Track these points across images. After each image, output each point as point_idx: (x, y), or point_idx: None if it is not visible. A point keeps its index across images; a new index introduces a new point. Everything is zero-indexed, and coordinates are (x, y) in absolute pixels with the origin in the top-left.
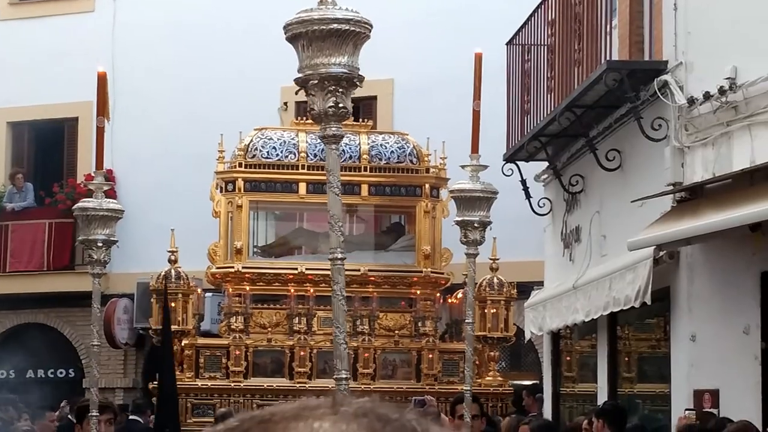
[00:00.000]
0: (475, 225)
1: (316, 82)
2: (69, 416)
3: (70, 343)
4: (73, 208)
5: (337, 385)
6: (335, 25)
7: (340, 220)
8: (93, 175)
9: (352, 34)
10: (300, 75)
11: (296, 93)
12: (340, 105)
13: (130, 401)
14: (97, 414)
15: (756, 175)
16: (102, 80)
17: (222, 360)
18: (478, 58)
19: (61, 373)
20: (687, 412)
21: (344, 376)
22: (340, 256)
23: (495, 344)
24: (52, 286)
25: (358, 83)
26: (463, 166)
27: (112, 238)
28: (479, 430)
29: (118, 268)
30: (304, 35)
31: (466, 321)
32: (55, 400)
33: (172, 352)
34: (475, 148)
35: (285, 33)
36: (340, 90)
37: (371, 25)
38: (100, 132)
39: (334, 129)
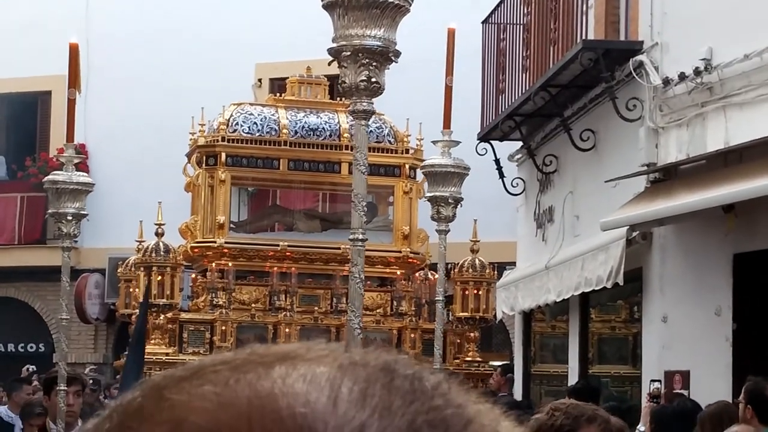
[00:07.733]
0: (449, 201)
1: (349, 54)
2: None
3: (41, 318)
4: (44, 180)
5: None
6: None
7: (364, 200)
8: (64, 147)
9: (390, 6)
10: (333, 45)
11: (329, 64)
12: (373, 80)
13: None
14: (65, 387)
15: (730, 156)
16: (74, 51)
17: (206, 335)
18: (451, 34)
19: (31, 347)
20: (653, 384)
21: None
22: (360, 237)
23: (476, 325)
24: (23, 260)
25: (393, 58)
26: (434, 142)
27: (82, 212)
28: None
29: (90, 243)
30: (341, 3)
31: (437, 298)
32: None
33: (146, 328)
34: (447, 123)
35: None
36: (374, 64)
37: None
38: (71, 104)
39: (365, 104)
